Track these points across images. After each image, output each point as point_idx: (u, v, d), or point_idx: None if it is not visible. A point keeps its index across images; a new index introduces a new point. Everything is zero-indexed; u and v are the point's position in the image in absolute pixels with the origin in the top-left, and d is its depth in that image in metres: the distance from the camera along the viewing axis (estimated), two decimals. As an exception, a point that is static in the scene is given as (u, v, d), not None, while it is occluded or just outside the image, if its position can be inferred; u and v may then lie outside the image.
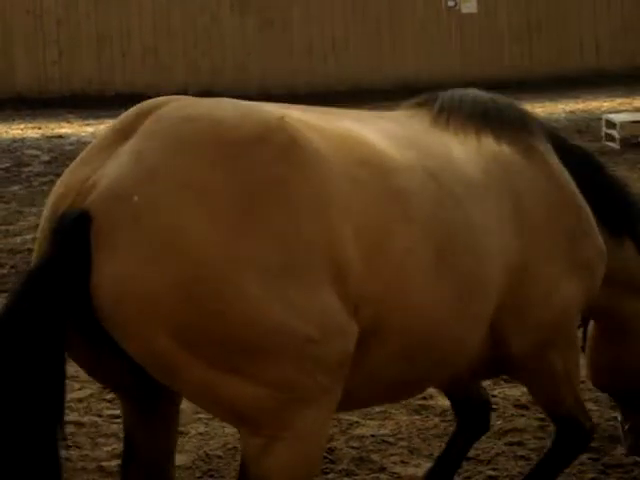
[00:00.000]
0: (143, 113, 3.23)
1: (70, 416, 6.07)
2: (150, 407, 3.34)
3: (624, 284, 4.39)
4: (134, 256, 2.92)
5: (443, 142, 3.75)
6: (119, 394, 3.48)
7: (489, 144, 3.88)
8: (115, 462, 5.39)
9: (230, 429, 5.71)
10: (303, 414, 3.03)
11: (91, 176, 3.09)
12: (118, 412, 6.09)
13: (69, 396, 6.38)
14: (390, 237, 3.27)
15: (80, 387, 6.58)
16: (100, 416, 6.09)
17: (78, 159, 3.31)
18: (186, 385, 3.03)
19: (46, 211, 3.24)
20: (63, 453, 5.44)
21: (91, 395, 6.42)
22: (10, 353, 2.92)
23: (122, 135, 3.18)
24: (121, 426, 5.75)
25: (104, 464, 5.40)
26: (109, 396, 6.40)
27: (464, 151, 3.77)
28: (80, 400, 6.35)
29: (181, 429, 5.75)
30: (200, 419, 5.91)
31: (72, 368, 7.23)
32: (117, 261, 2.93)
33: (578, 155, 4.30)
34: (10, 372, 2.92)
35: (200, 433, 5.68)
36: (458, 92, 4.07)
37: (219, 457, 5.31)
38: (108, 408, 6.18)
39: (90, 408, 6.20)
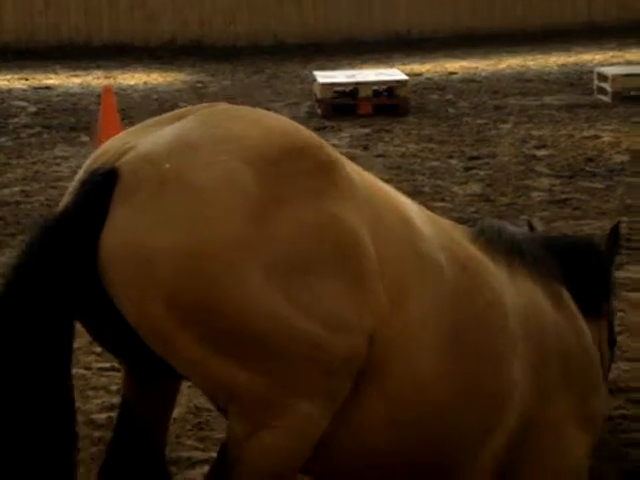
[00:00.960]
0: (198, 107, 3.33)
1: (59, 369, 6.04)
2: (151, 377, 3.31)
3: None
4: (148, 218, 2.95)
5: (482, 257, 3.62)
6: (121, 361, 3.45)
7: (520, 275, 3.73)
8: (105, 415, 5.39)
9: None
10: (297, 408, 2.99)
11: (131, 142, 3.16)
12: (107, 365, 6.09)
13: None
14: (408, 294, 3.22)
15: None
16: (89, 369, 6.07)
17: (123, 132, 3.41)
18: (177, 358, 3.02)
19: (81, 171, 3.27)
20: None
21: (79, 348, 6.38)
22: (25, 295, 2.96)
23: (172, 118, 3.28)
24: (110, 379, 5.80)
25: (94, 417, 5.40)
26: (98, 349, 6.37)
27: (501, 275, 3.65)
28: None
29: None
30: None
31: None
32: (131, 219, 2.96)
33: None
34: (23, 315, 2.95)
35: (190, 386, 5.66)
36: (494, 222, 3.98)
37: (209, 410, 5.30)
38: (97, 361, 6.17)
39: (79, 360, 6.17)
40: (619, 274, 7.61)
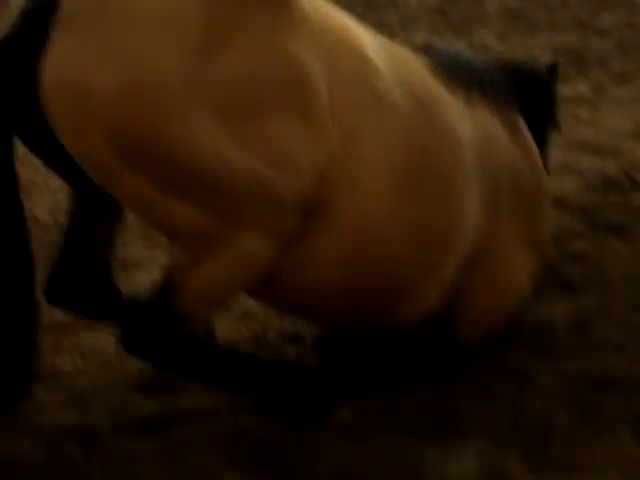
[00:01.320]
0: None
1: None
2: (96, 199, 3.27)
3: None
4: (87, 48, 2.80)
5: (438, 88, 3.53)
6: (67, 183, 3.40)
7: (478, 108, 3.68)
8: (49, 217, 5.37)
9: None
10: (240, 243, 2.95)
11: None
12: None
13: None
14: (361, 132, 3.14)
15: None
16: (38, 172, 6.02)
17: None
18: (119, 192, 2.94)
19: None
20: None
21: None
22: None
23: None
24: (58, 183, 5.75)
25: (39, 217, 5.37)
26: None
27: (455, 102, 3.57)
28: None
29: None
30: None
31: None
32: (70, 49, 2.81)
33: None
34: None
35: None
36: (451, 50, 3.83)
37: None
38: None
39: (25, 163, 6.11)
40: (567, 90, 7.63)
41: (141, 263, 4.91)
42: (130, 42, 2.79)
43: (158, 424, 3.40)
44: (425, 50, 3.76)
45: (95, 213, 3.31)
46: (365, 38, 3.30)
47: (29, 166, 6.02)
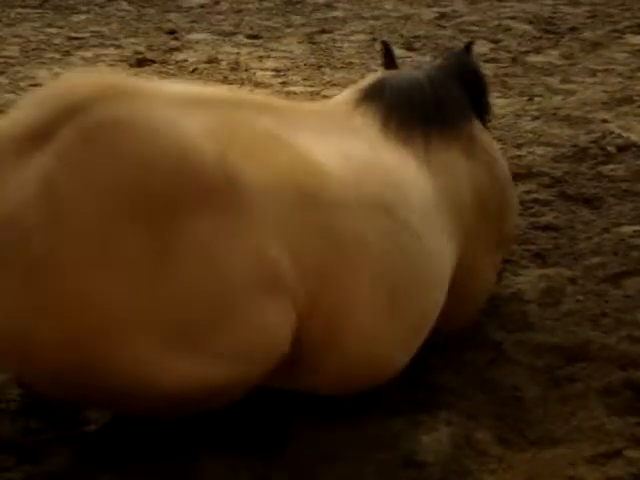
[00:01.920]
0: (65, 113, 2.61)
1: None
2: None
3: None
4: (22, 301, 2.51)
5: (395, 159, 3.35)
6: None
7: (436, 149, 3.53)
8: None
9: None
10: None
11: None
12: None
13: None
14: (333, 281, 2.91)
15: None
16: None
17: None
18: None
19: None
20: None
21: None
22: None
23: (35, 138, 2.59)
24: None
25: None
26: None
27: (415, 166, 3.41)
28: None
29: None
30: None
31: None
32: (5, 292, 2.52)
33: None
34: None
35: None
36: (395, 79, 3.66)
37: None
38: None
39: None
40: (539, 58, 7.60)
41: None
42: (67, 284, 2.50)
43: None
44: (376, 90, 3.58)
45: None
46: (323, 164, 3.01)
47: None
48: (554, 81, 7.07)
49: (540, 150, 5.82)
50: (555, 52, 7.70)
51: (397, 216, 3.14)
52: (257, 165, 2.75)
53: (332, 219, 2.91)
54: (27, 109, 2.70)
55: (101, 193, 2.49)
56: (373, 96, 3.53)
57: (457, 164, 3.58)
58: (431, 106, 3.61)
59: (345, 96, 3.63)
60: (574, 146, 5.88)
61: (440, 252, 3.32)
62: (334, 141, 3.13)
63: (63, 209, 2.48)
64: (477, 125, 3.85)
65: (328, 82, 6.80)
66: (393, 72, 3.85)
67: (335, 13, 8.69)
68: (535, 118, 6.30)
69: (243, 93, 3.12)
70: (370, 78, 3.74)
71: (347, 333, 2.97)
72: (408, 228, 3.18)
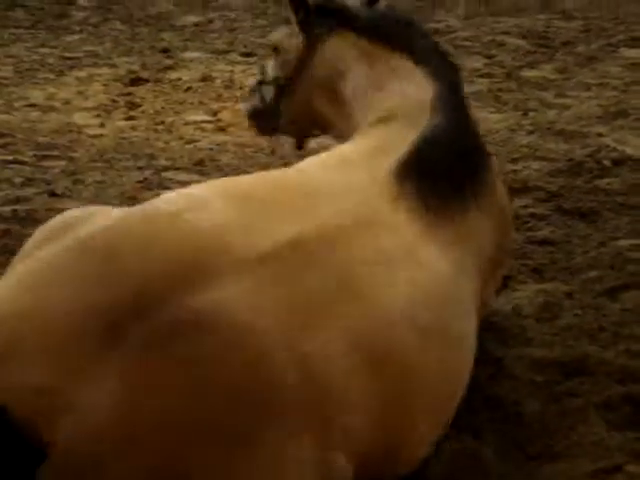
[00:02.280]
0: (136, 305, 2.40)
1: (-40, 161, 5.93)
2: None
3: None
4: None
5: (438, 261, 3.10)
6: None
7: (471, 219, 3.36)
8: (9, 207, 5.31)
9: (128, 178, 5.65)
10: None
11: (58, 393, 2.30)
12: (11, 157, 5.97)
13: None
14: (394, 430, 2.78)
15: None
16: (-8, 162, 5.95)
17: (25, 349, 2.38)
18: None
19: None
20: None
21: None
22: None
23: (108, 333, 2.37)
24: (15, 171, 5.70)
25: (-3, 210, 5.31)
26: (1, 141, 6.26)
27: (453, 258, 3.18)
28: (-29, 145, 6.19)
29: (77, 177, 5.69)
30: (97, 167, 5.84)
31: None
32: None
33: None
34: None
35: (97, 181, 5.60)
36: (427, 146, 3.36)
37: (117, 206, 5.24)
38: (0, 153, 6.06)
39: (-19, 153, 6.05)
40: (534, 73, 7.62)
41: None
42: None
43: None
44: (410, 170, 3.25)
45: None
46: (381, 303, 2.81)
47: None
48: (549, 95, 7.09)
49: (536, 165, 5.83)
50: (549, 66, 7.72)
51: (448, 334, 3.01)
52: (327, 338, 2.59)
53: (398, 375, 2.77)
54: (92, 282, 2.42)
55: (177, 413, 2.33)
56: (410, 179, 3.21)
57: (483, 223, 3.47)
58: (463, 172, 3.41)
59: (373, 175, 3.24)
60: (570, 160, 5.89)
61: (469, 335, 3.19)
62: (392, 274, 2.90)
63: (137, 437, 2.29)
64: (491, 164, 3.70)
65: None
66: (424, 135, 3.43)
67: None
68: (530, 133, 6.32)
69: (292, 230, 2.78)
70: (396, 143, 3.39)
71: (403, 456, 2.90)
72: (457, 340, 3.08)
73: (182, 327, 2.37)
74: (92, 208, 2.82)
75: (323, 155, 3.47)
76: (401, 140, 3.34)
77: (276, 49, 4.12)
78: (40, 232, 2.71)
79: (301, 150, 4.36)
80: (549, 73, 7.59)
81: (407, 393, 2.77)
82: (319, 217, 2.83)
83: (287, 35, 4.07)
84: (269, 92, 4.17)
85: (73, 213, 2.77)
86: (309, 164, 3.39)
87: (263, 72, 4.26)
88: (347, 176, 3.15)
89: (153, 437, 2.30)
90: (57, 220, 2.74)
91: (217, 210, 2.71)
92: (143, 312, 2.36)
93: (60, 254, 2.50)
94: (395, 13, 3.95)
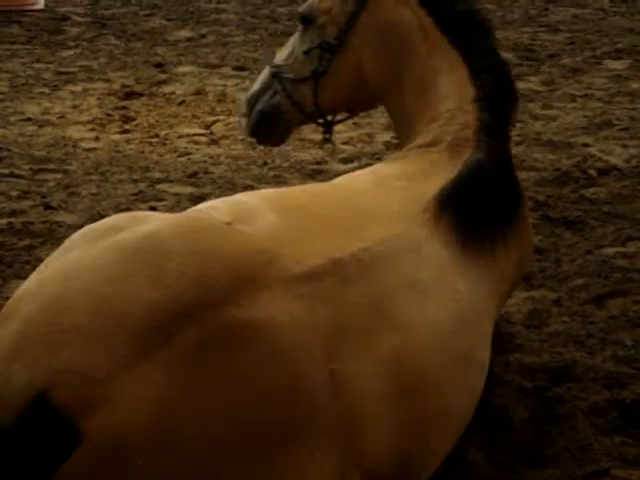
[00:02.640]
0: (194, 306, 2.41)
1: (-42, 175, 5.98)
2: None
3: None
4: None
5: (470, 291, 3.13)
6: None
7: (499, 253, 3.37)
8: (5, 220, 5.35)
9: (122, 190, 5.70)
10: None
11: (100, 382, 2.31)
12: (7, 171, 6.01)
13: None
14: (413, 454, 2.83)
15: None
16: (-11, 175, 5.99)
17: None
18: None
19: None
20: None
21: (-21, 154, 6.30)
22: None
23: (157, 330, 2.37)
24: (10, 185, 5.75)
25: (-5, 224, 5.35)
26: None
27: (483, 291, 3.22)
28: (-33, 159, 6.22)
29: (73, 190, 5.73)
30: (92, 180, 5.87)
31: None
32: None
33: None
34: None
35: (92, 193, 5.65)
36: (463, 180, 3.32)
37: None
38: (-3, 167, 6.09)
39: (-22, 167, 6.09)
40: (520, 85, 7.69)
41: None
42: None
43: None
44: (447, 203, 3.23)
45: None
46: (415, 331, 2.84)
47: None
48: (535, 107, 7.16)
49: (523, 175, 5.88)
50: (536, 79, 7.78)
51: (471, 362, 3.05)
52: (362, 360, 2.63)
53: (426, 403, 2.81)
54: (152, 285, 2.41)
55: (213, 420, 2.34)
56: (449, 210, 3.21)
57: (509, 254, 3.47)
58: (498, 206, 3.41)
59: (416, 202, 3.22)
60: (556, 170, 5.96)
61: (486, 361, 3.20)
62: (425, 303, 2.93)
63: (172, 435, 2.31)
64: (522, 200, 3.68)
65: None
66: (466, 168, 3.39)
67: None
68: (518, 144, 6.37)
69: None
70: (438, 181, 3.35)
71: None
72: (479, 369, 3.11)
73: (226, 336, 2.38)
74: (141, 213, 2.81)
75: (370, 173, 3.46)
76: (443, 169, 3.35)
77: (306, 19, 3.81)
78: (87, 230, 2.69)
79: (329, 139, 4.01)
80: (535, 85, 7.65)
81: (428, 419, 2.82)
82: (365, 239, 2.86)
83: (320, 5, 3.77)
84: (308, 64, 3.82)
85: (122, 216, 2.77)
86: (354, 181, 3.39)
87: (286, 55, 3.92)
88: (393, 200, 3.17)
89: (185, 439, 2.31)
90: (105, 221, 2.73)
91: (269, 222, 2.74)
92: (192, 316, 2.37)
93: (111, 251, 2.51)
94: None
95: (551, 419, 3.56)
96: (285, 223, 2.76)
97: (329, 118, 3.95)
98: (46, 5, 9.94)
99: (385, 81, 3.70)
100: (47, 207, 5.50)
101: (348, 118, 4.16)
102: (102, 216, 5.28)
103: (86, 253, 2.53)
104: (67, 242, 2.67)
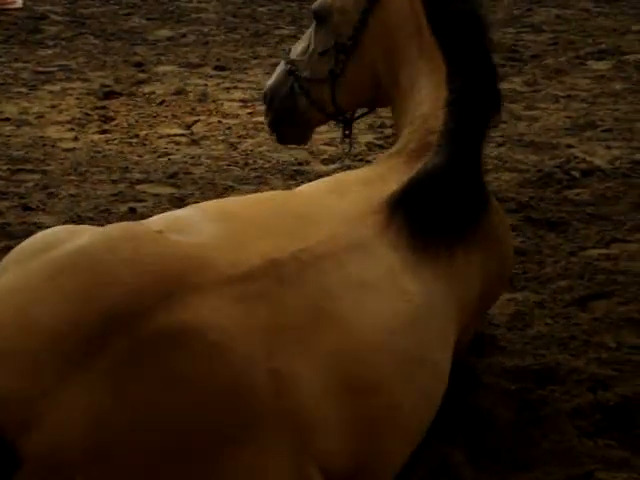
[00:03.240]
0: (124, 316, 2.40)
1: None
2: None
3: None
4: None
5: (420, 290, 3.09)
6: None
7: (458, 262, 3.32)
8: None
9: (102, 191, 5.66)
10: None
11: (31, 404, 2.31)
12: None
13: None
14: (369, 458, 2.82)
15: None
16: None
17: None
18: None
19: None
20: None
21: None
22: None
23: (88, 343, 2.36)
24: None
25: (-29, 225, 5.30)
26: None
27: (439, 293, 3.19)
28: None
29: (51, 190, 5.69)
30: (71, 181, 5.83)
31: None
32: None
33: None
34: None
35: (71, 194, 5.61)
36: (418, 182, 3.29)
37: (90, 219, 5.26)
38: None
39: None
40: (503, 85, 7.67)
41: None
42: None
43: None
44: (403, 203, 3.22)
45: None
46: (364, 329, 2.83)
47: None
48: (518, 107, 7.15)
49: (505, 176, 5.88)
50: (518, 79, 7.78)
51: (423, 363, 3.02)
52: (304, 359, 2.61)
53: (374, 401, 2.79)
54: (76, 300, 2.42)
55: (148, 428, 2.33)
56: (400, 211, 3.19)
57: (473, 260, 3.42)
58: (454, 210, 3.35)
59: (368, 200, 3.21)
60: (539, 171, 5.95)
61: (443, 364, 3.18)
62: (371, 301, 2.91)
63: (108, 446, 2.30)
64: (492, 202, 3.68)
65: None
66: (422, 170, 3.36)
67: (301, 44, 8.76)
68: (500, 144, 6.37)
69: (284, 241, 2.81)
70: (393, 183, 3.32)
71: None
72: (433, 370, 3.09)
73: (156, 342, 2.37)
74: (73, 227, 2.81)
75: (324, 179, 3.47)
76: (401, 174, 3.31)
77: (320, 15, 3.75)
78: (20, 249, 2.69)
79: (348, 135, 3.94)
80: (518, 86, 7.64)
81: (380, 417, 2.80)
82: (306, 239, 2.83)
83: (334, 4, 3.68)
84: (324, 64, 3.75)
85: (54, 231, 2.76)
86: (309, 187, 3.39)
87: (301, 51, 3.85)
88: (342, 202, 3.15)
89: (122, 453, 2.29)
90: (37, 238, 2.72)
91: (202, 230, 2.73)
92: (122, 325, 2.37)
93: (41, 269, 2.50)
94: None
95: (535, 421, 3.55)
96: (222, 230, 2.75)
97: (348, 115, 3.92)
98: (24, 4, 9.85)
99: (387, 82, 3.66)
100: (25, 208, 5.45)
101: (367, 113, 4.13)
102: (81, 217, 5.28)
103: (18, 273, 2.53)
104: (3, 261, 2.66)
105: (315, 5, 3.80)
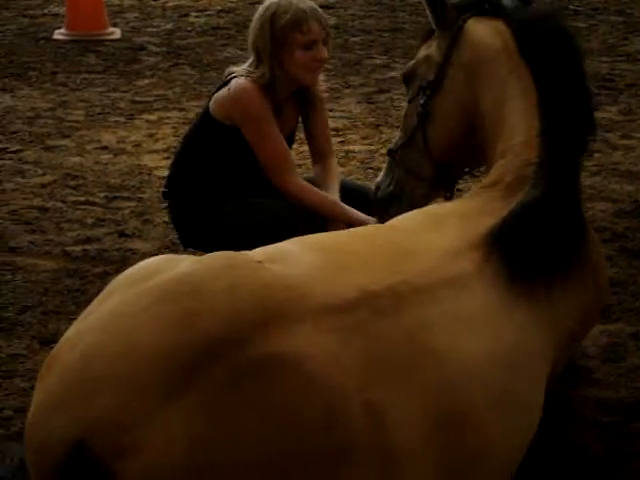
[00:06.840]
0: (220, 345, 2.43)
1: (34, 201, 6.06)
2: None
3: None
4: None
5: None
6: None
7: (556, 297, 3.22)
8: (79, 247, 5.41)
9: (196, 218, 5.74)
10: None
11: (130, 430, 2.37)
12: (83, 199, 6.09)
13: (32, 181, 6.37)
14: None
15: (43, 172, 6.54)
16: (64, 202, 6.07)
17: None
18: None
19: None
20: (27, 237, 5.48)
21: (55, 181, 6.38)
22: None
23: (183, 371, 2.40)
24: (85, 212, 5.82)
25: (68, 249, 5.41)
26: (73, 182, 6.37)
27: (535, 334, 3.12)
28: (44, 186, 6.31)
29: (147, 217, 5.79)
30: (166, 208, 5.92)
31: (34, 154, 7.14)
32: None
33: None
34: None
35: (165, 222, 5.69)
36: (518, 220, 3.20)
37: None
38: (72, 195, 6.17)
39: (54, 194, 6.17)
40: (598, 114, 7.60)
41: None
42: None
43: None
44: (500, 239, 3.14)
45: None
46: (461, 365, 2.79)
47: (57, 197, 6.07)
48: (613, 137, 7.07)
49: (600, 206, 5.82)
50: (614, 108, 7.70)
51: (516, 400, 2.96)
52: (399, 392, 2.60)
53: (466, 437, 2.75)
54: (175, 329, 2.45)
55: (244, 456, 2.36)
56: (499, 247, 3.12)
57: (569, 297, 3.32)
58: (553, 246, 3.25)
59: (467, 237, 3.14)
60: (634, 201, 5.88)
61: (536, 401, 3.09)
62: (468, 337, 2.87)
63: (203, 474, 2.35)
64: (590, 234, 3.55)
65: (386, 141, 6.86)
66: (521, 205, 3.26)
67: (392, 73, 8.76)
68: (594, 174, 6.30)
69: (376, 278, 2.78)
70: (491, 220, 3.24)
71: None
72: (527, 408, 3.03)
73: (254, 371, 2.40)
74: (174, 256, 2.87)
75: (417, 211, 3.42)
76: (498, 209, 3.24)
77: (408, 76, 3.76)
78: (123, 277, 2.73)
79: (449, 197, 3.80)
80: (614, 115, 7.56)
81: (472, 453, 2.77)
82: (403, 272, 2.83)
83: (419, 58, 3.69)
84: (413, 112, 3.72)
85: (155, 260, 2.82)
86: (404, 220, 3.34)
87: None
88: (439, 236, 3.12)
89: (216, 478, 2.34)
90: (140, 266, 2.77)
91: (301, 261, 2.75)
92: (220, 353, 2.40)
93: (143, 296, 2.55)
94: (556, 20, 3.48)
95: (627, 455, 3.49)
96: (319, 262, 2.76)
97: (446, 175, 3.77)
98: (123, 35, 10.06)
99: (475, 112, 3.52)
100: (121, 235, 5.56)
101: (468, 173, 3.97)
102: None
103: (122, 299, 2.58)
104: (105, 290, 2.71)
105: (403, 71, 3.83)
